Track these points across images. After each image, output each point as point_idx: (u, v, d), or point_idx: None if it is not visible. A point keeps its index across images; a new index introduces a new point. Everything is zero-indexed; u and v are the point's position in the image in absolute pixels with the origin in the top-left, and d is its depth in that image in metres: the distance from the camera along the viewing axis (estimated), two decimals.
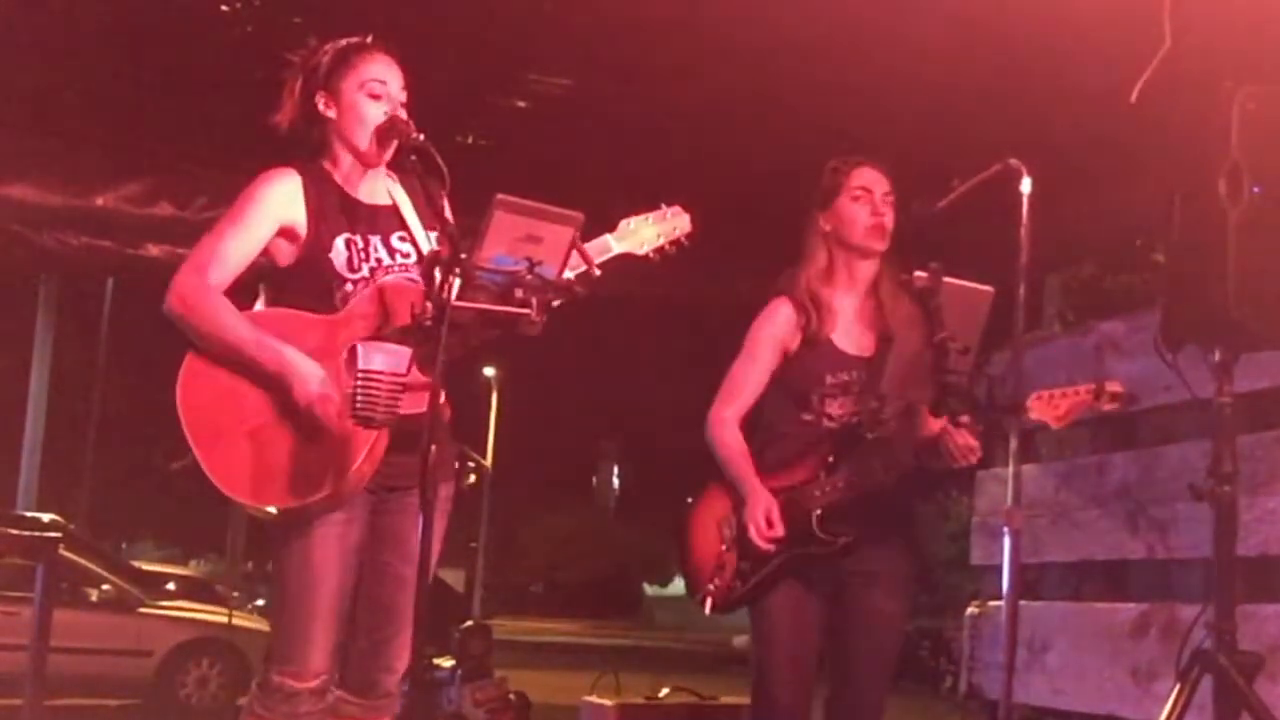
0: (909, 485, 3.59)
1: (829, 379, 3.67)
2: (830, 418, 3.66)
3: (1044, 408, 3.45)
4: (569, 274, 3.00)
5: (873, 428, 3.48)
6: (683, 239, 3.31)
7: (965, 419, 3.35)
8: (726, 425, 3.74)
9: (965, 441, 3.39)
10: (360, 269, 3.15)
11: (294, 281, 3.14)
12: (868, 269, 3.72)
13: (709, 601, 3.69)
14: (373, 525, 3.20)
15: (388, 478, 3.15)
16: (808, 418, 3.68)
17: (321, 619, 3.11)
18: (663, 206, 3.30)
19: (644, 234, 3.25)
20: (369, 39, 3.25)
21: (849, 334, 3.71)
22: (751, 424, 3.78)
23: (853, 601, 3.65)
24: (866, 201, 3.67)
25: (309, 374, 3.00)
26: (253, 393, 3.04)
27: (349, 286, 3.13)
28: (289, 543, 3.10)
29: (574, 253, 3.02)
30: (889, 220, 3.66)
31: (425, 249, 3.19)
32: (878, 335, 3.66)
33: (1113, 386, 3.42)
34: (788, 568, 3.60)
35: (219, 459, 3.00)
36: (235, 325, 3.05)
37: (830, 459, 3.58)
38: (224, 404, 3.04)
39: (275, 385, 3.02)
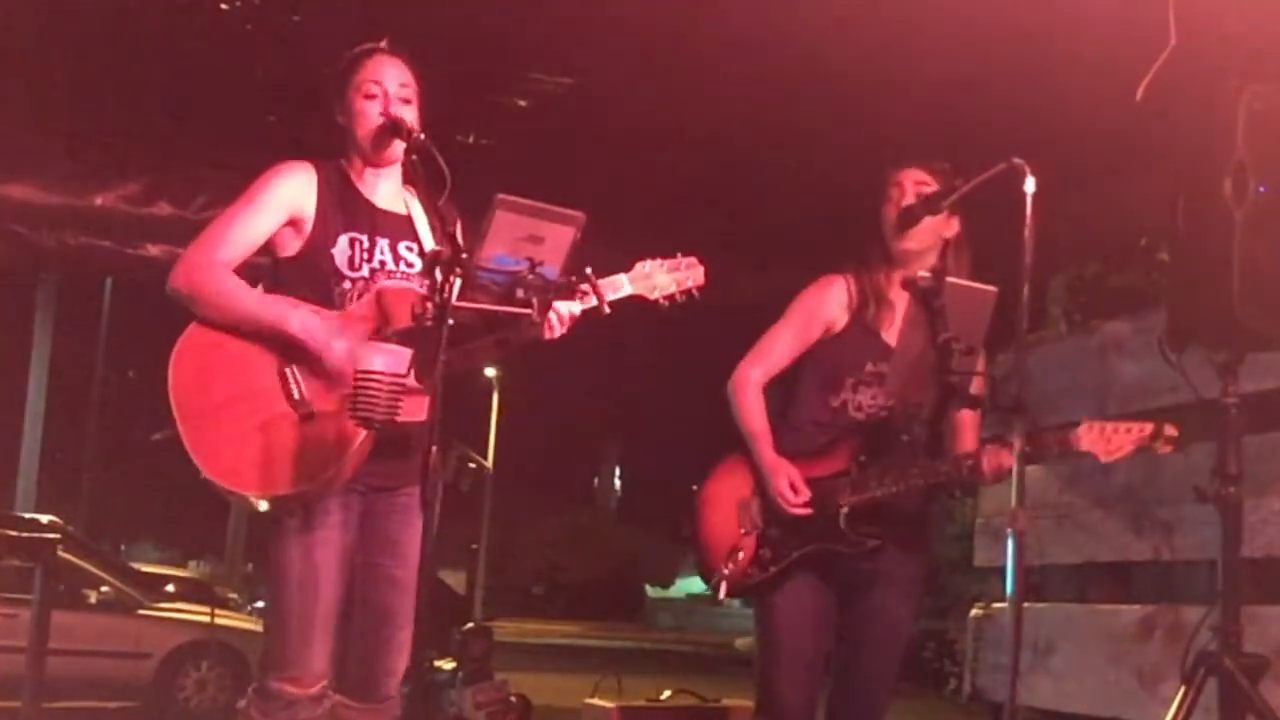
0: (936, 493, 3.60)
1: (869, 366, 3.64)
2: (859, 407, 3.63)
3: (1096, 440, 3.35)
4: (578, 306, 3.05)
5: (906, 427, 3.44)
6: (694, 290, 3.31)
7: (1004, 443, 3.31)
8: (750, 386, 3.69)
9: (1006, 464, 3.29)
10: (361, 269, 3.16)
11: (294, 274, 3.15)
12: (920, 267, 3.57)
13: (724, 586, 3.61)
14: (363, 527, 3.19)
15: (376, 477, 3.14)
16: (835, 403, 3.65)
17: (319, 623, 3.10)
18: (679, 256, 3.32)
19: (657, 279, 3.27)
20: (382, 43, 3.27)
21: (899, 331, 3.61)
22: (776, 404, 3.73)
23: (864, 602, 3.63)
24: (898, 198, 3.64)
25: (320, 328, 3.00)
26: (250, 373, 3.01)
27: (346, 285, 3.14)
28: (282, 546, 3.08)
29: (586, 285, 3.03)
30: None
31: None
32: None
33: (1170, 430, 3.35)
34: (808, 561, 3.57)
35: (202, 435, 2.96)
36: (241, 291, 3.06)
37: (863, 456, 3.53)
38: (218, 380, 3.01)
39: (278, 363, 3.00)
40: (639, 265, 3.27)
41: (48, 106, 5.57)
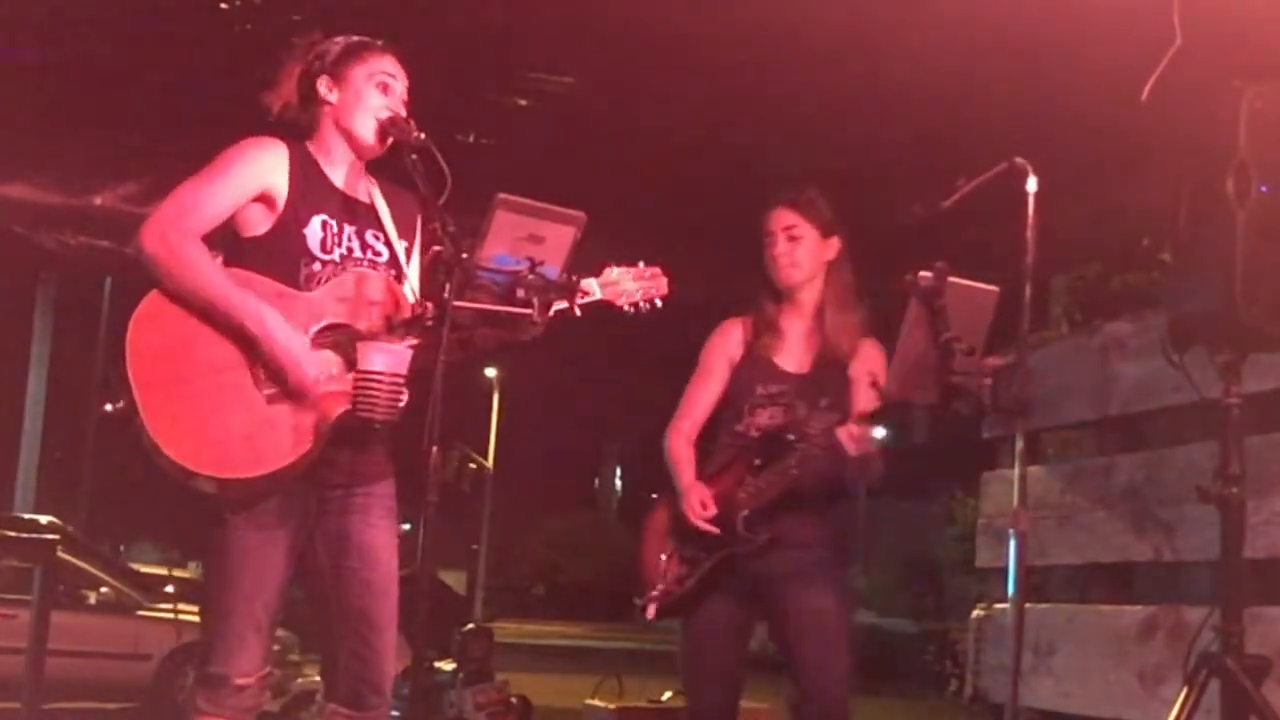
0: (835, 487, 3.82)
1: (759, 389, 3.90)
2: (758, 428, 3.87)
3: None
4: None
5: (799, 436, 3.64)
6: (658, 300, 3.35)
7: (860, 412, 3.58)
8: (676, 436, 4.00)
9: (857, 430, 3.55)
10: (332, 252, 3.12)
11: (262, 252, 3.07)
12: (808, 295, 3.93)
13: (651, 608, 3.92)
14: (325, 530, 3.14)
15: (332, 471, 3.10)
16: (739, 428, 3.92)
17: (261, 617, 3.07)
18: (641, 265, 3.35)
19: (625, 286, 3.30)
20: (379, 42, 3.27)
21: (791, 353, 3.93)
22: (702, 439, 4.03)
23: (785, 603, 3.84)
24: (771, 244, 3.92)
25: (289, 338, 2.95)
26: (215, 348, 2.94)
27: (316, 266, 3.09)
28: (226, 538, 3.03)
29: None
30: (789, 256, 3.88)
31: (399, 254, 3.20)
32: (816, 356, 3.90)
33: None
34: (720, 570, 3.82)
35: (160, 408, 2.87)
36: (214, 275, 2.97)
37: (756, 463, 3.77)
38: (180, 353, 2.92)
39: (243, 344, 2.94)
40: (606, 271, 3.28)
41: (48, 106, 5.57)
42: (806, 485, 3.71)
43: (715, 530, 3.77)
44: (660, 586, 3.91)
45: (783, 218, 3.92)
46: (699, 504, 3.80)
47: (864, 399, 3.68)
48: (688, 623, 3.95)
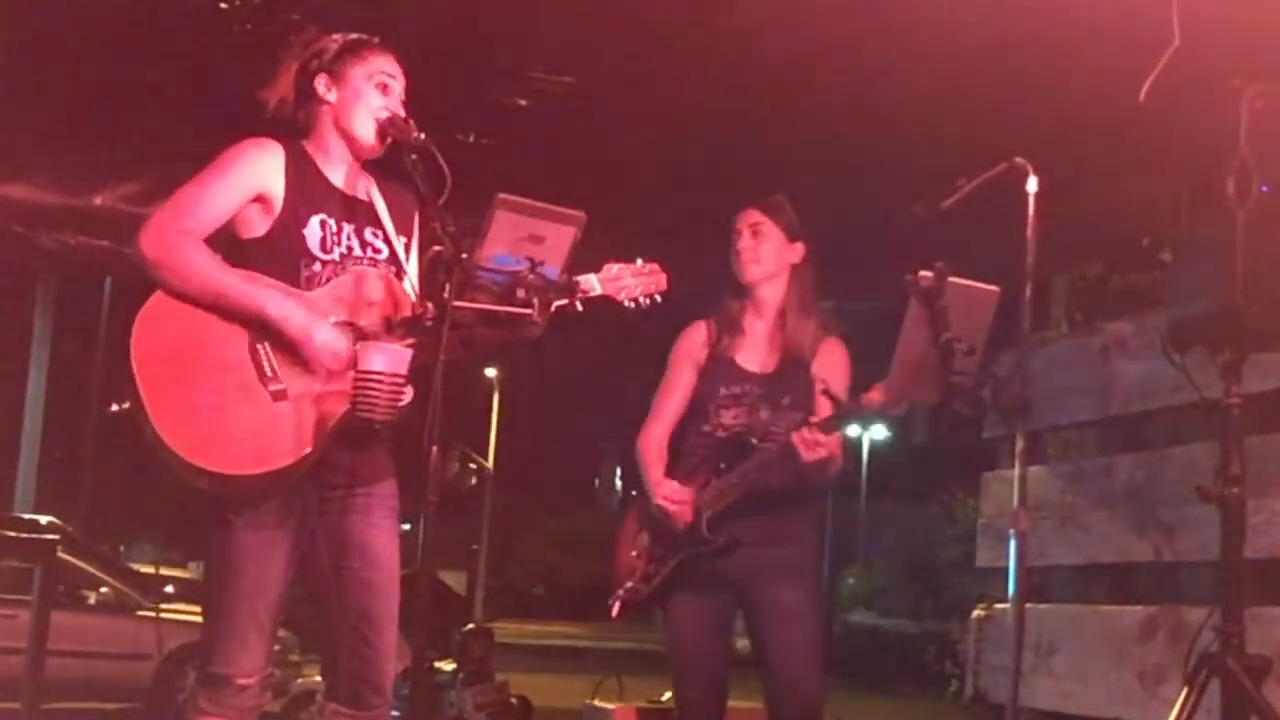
0: (798, 486, 3.83)
1: (723, 390, 3.96)
2: (724, 428, 3.94)
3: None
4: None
5: (761, 437, 3.72)
6: (657, 296, 3.37)
7: (814, 420, 3.60)
8: (647, 439, 4.06)
9: (809, 435, 3.59)
10: (332, 251, 3.11)
11: (262, 253, 3.06)
12: (770, 295, 3.99)
13: (616, 605, 4.04)
14: (326, 530, 3.13)
15: (332, 472, 3.09)
16: (706, 429, 3.98)
17: (262, 619, 3.06)
18: (640, 261, 3.36)
19: (625, 282, 3.32)
20: (376, 40, 3.26)
21: (754, 353, 3.99)
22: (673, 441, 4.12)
23: (756, 600, 3.91)
24: (736, 239, 3.98)
25: (305, 319, 2.96)
26: (220, 346, 2.94)
27: (317, 266, 3.08)
28: (227, 539, 3.03)
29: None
30: (752, 252, 3.94)
31: (399, 251, 3.19)
32: (779, 356, 3.95)
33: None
34: (685, 569, 3.89)
35: (165, 405, 2.87)
36: (218, 270, 2.97)
37: (722, 466, 3.84)
38: (186, 352, 2.92)
39: (249, 342, 2.95)
40: (607, 267, 3.29)
41: (48, 106, 5.56)
42: (769, 486, 3.76)
43: (688, 516, 3.83)
44: (628, 584, 4.00)
45: (749, 216, 4.00)
46: (670, 495, 3.87)
47: (819, 405, 3.70)
48: (666, 623, 4.00)
